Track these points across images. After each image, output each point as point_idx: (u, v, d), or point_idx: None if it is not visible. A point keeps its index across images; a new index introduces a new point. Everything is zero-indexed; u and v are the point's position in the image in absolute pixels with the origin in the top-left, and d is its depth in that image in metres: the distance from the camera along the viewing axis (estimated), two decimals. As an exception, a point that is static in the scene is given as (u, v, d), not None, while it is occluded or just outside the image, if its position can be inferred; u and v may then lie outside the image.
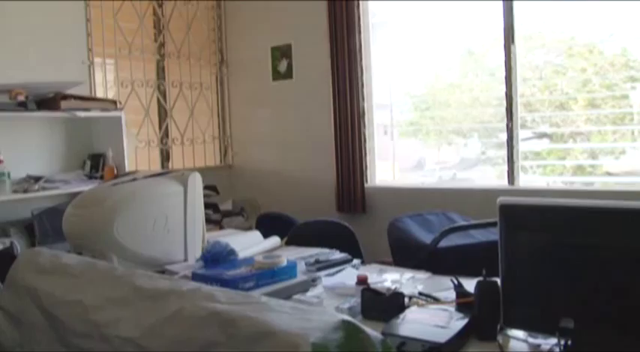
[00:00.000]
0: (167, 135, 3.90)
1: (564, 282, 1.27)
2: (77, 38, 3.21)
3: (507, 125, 3.13)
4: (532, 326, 1.33)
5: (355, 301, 1.66)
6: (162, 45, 3.83)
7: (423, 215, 2.67)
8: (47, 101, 2.73)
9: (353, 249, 2.38)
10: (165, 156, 3.92)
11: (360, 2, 3.62)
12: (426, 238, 2.36)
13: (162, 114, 3.90)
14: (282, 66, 4.03)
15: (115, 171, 3.01)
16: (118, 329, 1.00)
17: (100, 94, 3.34)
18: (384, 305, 1.52)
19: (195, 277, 1.79)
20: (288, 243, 2.51)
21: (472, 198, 3.27)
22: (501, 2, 3.10)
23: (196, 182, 2.17)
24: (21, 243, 2.64)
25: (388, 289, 1.71)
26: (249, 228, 3.43)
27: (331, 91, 3.68)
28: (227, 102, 4.35)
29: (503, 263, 1.34)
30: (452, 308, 1.53)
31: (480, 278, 1.43)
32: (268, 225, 3.22)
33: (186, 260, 2.11)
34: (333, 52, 3.64)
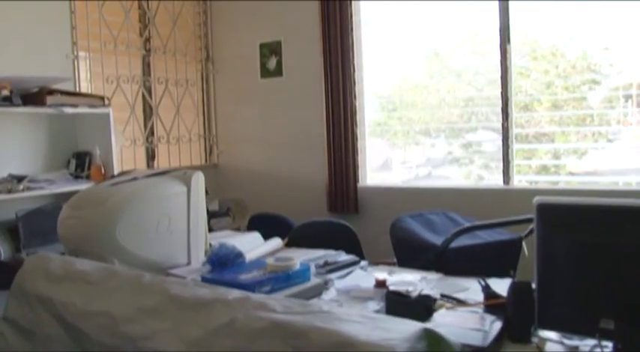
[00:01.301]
0: (153, 133, 3.76)
1: (603, 283, 1.25)
2: (61, 31, 3.05)
3: (503, 125, 3.15)
4: (569, 328, 1.30)
5: (378, 304, 1.61)
6: (147, 40, 3.69)
7: (424, 215, 2.63)
8: (32, 96, 2.57)
9: (355, 249, 2.33)
10: (151, 155, 3.78)
11: (353, 1, 3.57)
12: (432, 238, 2.33)
13: (148, 111, 3.76)
14: (272, 63, 3.94)
15: (103, 171, 2.87)
16: (156, 342, 0.92)
17: (83, 90, 3.19)
18: (411, 308, 1.47)
19: (206, 281, 1.69)
20: (288, 245, 2.43)
21: (467, 197, 3.27)
22: (497, 2, 3.10)
23: (199, 182, 2.08)
24: (4, 246, 2.49)
25: (407, 291, 1.66)
26: (237, 229, 3.34)
27: (323, 89, 3.62)
28: (213, 100, 4.23)
29: (540, 263, 1.31)
30: (479, 310, 1.50)
31: (513, 280, 1.40)
32: (261, 225, 3.12)
33: (189, 263, 2.02)
34: (326, 49, 3.58)
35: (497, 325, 1.36)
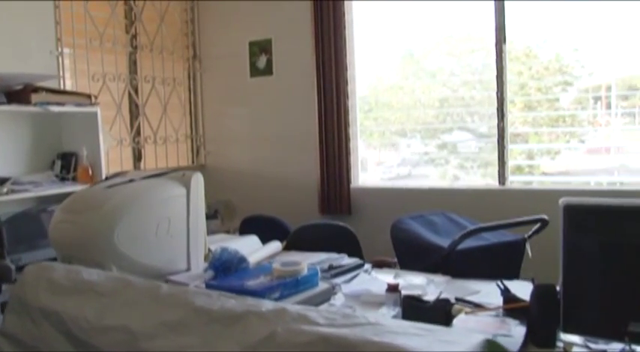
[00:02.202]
0: (139, 134, 3.63)
1: (631, 285, 1.22)
2: (45, 26, 2.91)
3: (498, 125, 3.14)
4: (596, 332, 1.27)
5: (393, 309, 1.56)
6: (134, 37, 3.56)
7: (424, 216, 2.59)
8: (16, 94, 2.44)
9: (355, 252, 2.28)
10: (137, 156, 3.65)
11: (345, 1, 3.52)
12: (436, 240, 2.30)
13: (134, 110, 3.64)
14: (261, 62, 3.86)
15: (90, 172, 2.75)
16: (184, 359, 0.84)
17: (67, 88, 3.05)
18: (429, 314, 1.42)
19: (212, 288, 1.61)
20: (287, 248, 2.37)
21: (461, 198, 3.25)
22: (492, 2, 3.09)
23: (199, 183, 1.99)
24: (-13, 253, 2.35)
25: (419, 295, 1.62)
26: (226, 232, 3.25)
27: (315, 89, 3.56)
28: (200, 100, 4.13)
29: (565, 266, 1.28)
30: (499, 314, 1.46)
31: (534, 283, 1.37)
32: (253, 228, 3.04)
33: (188, 269, 1.93)
34: (318, 47, 3.52)
35: (521, 329, 1.33)
